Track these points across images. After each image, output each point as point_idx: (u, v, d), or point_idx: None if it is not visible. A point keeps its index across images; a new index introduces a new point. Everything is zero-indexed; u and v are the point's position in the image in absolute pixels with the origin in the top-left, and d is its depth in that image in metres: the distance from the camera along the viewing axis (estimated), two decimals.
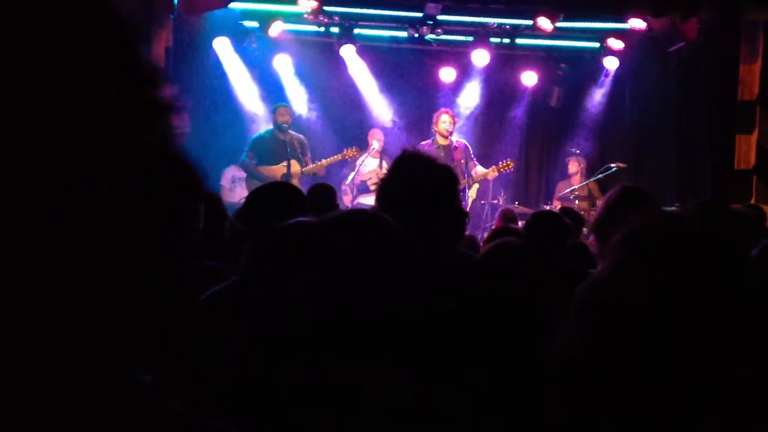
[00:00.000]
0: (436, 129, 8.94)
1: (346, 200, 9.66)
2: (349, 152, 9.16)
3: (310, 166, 9.02)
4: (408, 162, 2.51)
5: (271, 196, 3.05)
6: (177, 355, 2.55)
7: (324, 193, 5.40)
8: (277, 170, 8.86)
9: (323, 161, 9.14)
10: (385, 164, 9.88)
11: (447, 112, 9.04)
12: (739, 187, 8.19)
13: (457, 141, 9.03)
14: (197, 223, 0.81)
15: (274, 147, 9.04)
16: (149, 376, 1.18)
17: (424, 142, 9.04)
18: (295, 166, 8.88)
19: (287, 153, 8.84)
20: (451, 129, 8.87)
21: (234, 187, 9.61)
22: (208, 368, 2.32)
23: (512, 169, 9.08)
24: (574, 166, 10.03)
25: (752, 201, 7.90)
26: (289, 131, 9.12)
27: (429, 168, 2.47)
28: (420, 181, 2.42)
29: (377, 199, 2.52)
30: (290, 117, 9.19)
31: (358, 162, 9.72)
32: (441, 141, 8.86)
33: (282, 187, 3.08)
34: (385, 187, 2.49)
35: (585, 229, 8.26)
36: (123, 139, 0.58)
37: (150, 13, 7.98)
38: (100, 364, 0.80)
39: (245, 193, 8.54)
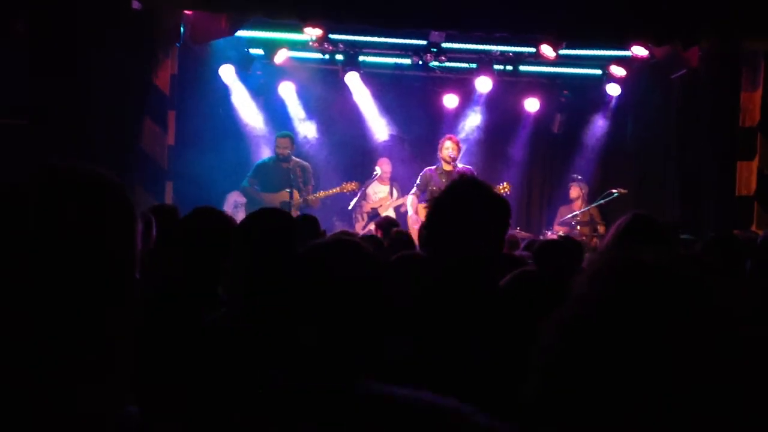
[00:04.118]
0: (440, 155, 8.97)
1: (358, 227, 9.71)
2: (348, 186, 9.16)
3: (310, 196, 9.01)
4: (466, 187, 2.51)
5: (261, 223, 3.07)
6: (174, 384, 2.58)
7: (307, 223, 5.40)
8: (278, 197, 8.89)
9: (320, 193, 9.12)
10: (395, 191, 9.94)
11: (451, 139, 9.02)
12: (741, 213, 8.21)
13: (462, 167, 9.03)
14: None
15: (275, 174, 9.07)
16: (135, 408, 1.22)
17: (429, 168, 9.10)
18: (297, 194, 8.90)
19: (289, 180, 8.86)
20: (453, 155, 8.86)
21: (236, 213, 9.65)
22: (205, 396, 2.35)
23: (508, 192, 8.97)
24: (575, 192, 10.06)
25: (753, 227, 7.92)
26: (293, 158, 9.14)
27: (487, 197, 2.47)
28: (475, 207, 2.42)
29: (428, 219, 2.51)
30: (289, 148, 9.12)
31: (368, 190, 9.80)
32: (445, 167, 8.90)
33: (271, 214, 3.11)
34: (438, 209, 2.49)
35: (587, 255, 8.28)
36: None
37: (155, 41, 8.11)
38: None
39: None
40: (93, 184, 1.14)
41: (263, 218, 2.93)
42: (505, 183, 9.08)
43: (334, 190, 9.18)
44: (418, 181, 9.10)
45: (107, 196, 1.15)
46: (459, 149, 9.04)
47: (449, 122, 11.01)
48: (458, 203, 2.45)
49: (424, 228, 2.60)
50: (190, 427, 2.37)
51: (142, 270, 1.29)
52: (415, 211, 9.08)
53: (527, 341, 2.21)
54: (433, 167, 9.08)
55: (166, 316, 2.85)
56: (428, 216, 2.53)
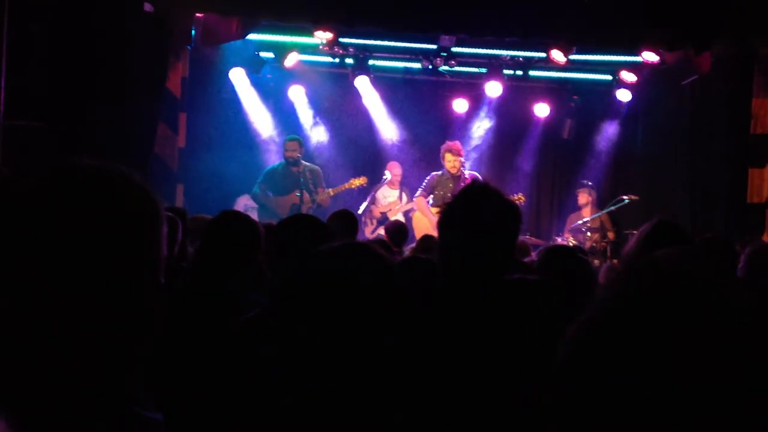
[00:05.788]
0: (442, 163, 8.98)
1: (367, 231, 9.69)
2: (356, 181, 9.17)
3: (319, 195, 8.98)
4: (476, 193, 2.49)
5: (295, 228, 3.08)
6: (204, 382, 2.58)
7: (346, 218, 5.41)
8: (288, 200, 8.88)
9: (330, 191, 9.12)
10: (405, 196, 9.92)
11: (450, 151, 8.86)
12: (752, 221, 8.17)
13: (469, 173, 9.02)
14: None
15: (285, 179, 9.05)
16: (160, 415, 1.20)
17: (434, 173, 9.10)
18: (307, 197, 8.89)
19: (299, 184, 8.85)
20: (451, 164, 8.84)
21: None
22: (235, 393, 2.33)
23: (523, 203, 8.95)
24: (583, 198, 10.00)
25: (765, 236, 7.88)
26: (302, 162, 9.12)
27: (497, 203, 2.45)
28: (485, 215, 2.40)
29: (440, 224, 2.49)
30: (298, 151, 9.06)
31: (377, 194, 9.78)
32: (451, 171, 8.89)
33: (305, 219, 3.13)
34: (450, 215, 2.47)
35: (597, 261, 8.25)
36: None
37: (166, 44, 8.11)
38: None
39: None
40: (119, 185, 1.11)
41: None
42: (519, 194, 8.98)
43: (342, 187, 9.18)
44: (424, 184, 9.13)
45: (132, 196, 1.11)
46: (459, 157, 8.93)
47: (459, 126, 11.00)
48: (469, 209, 2.43)
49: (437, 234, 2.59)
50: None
51: (167, 273, 1.24)
52: (422, 212, 9.09)
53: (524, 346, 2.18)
54: (438, 172, 9.08)
55: (180, 317, 2.86)
56: (439, 222, 2.52)
